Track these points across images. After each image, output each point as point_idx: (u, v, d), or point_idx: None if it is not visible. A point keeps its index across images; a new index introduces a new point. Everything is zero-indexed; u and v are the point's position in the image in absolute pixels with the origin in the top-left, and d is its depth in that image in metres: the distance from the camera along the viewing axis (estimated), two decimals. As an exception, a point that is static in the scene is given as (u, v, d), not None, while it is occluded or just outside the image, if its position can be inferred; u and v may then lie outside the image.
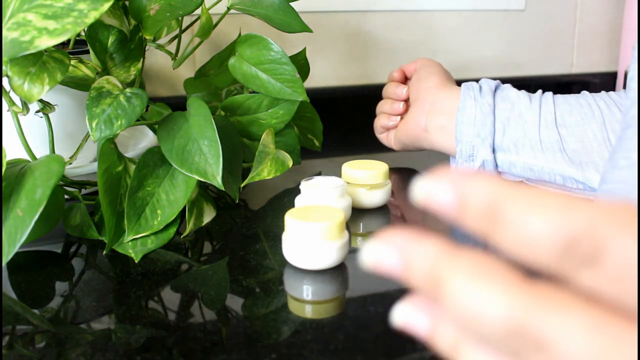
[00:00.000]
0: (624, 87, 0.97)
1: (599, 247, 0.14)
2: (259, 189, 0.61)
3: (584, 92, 0.60)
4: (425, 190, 0.17)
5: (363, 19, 0.88)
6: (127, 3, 0.52)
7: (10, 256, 0.40)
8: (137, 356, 0.34)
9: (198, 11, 0.56)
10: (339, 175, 0.54)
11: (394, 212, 0.56)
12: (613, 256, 0.14)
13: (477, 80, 0.63)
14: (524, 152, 0.58)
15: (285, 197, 0.59)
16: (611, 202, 0.15)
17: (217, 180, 0.47)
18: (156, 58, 0.79)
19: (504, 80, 0.64)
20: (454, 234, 0.52)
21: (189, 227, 0.50)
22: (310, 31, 0.57)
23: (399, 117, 0.68)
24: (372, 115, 0.72)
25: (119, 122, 0.45)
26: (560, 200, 0.15)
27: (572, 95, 0.60)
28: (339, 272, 0.43)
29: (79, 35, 0.52)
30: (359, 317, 0.37)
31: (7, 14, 0.41)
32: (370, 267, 0.17)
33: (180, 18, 0.58)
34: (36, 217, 0.40)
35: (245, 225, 0.53)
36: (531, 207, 0.15)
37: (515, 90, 0.61)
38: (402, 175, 0.66)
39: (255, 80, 0.55)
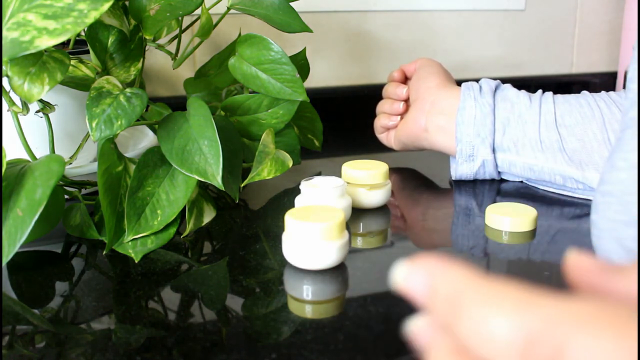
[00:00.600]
0: (624, 87, 0.97)
1: (558, 348, 0.14)
2: (259, 189, 0.61)
3: (584, 92, 0.60)
4: (403, 274, 0.17)
5: (363, 19, 0.88)
6: (127, 3, 0.52)
7: (10, 256, 0.40)
8: (137, 356, 0.34)
9: (198, 11, 0.56)
10: (339, 175, 0.54)
11: (394, 212, 0.56)
12: (572, 357, 0.14)
13: (477, 80, 0.63)
14: (524, 152, 0.58)
15: (285, 197, 0.59)
16: (570, 299, 0.15)
17: (217, 180, 0.47)
18: (156, 58, 0.79)
19: (504, 80, 0.64)
20: (453, 234, 0.52)
21: (189, 227, 0.50)
22: (310, 31, 0.57)
23: (399, 117, 0.68)
24: (372, 115, 0.72)
25: (119, 122, 0.45)
26: (520, 296, 0.15)
27: (572, 95, 0.60)
28: (339, 272, 0.43)
29: (79, 35, 0.52)
30: (359, 317, 0.37)
31: (7, 14, 0.41)
32: (398, 285, 0.17)
33: (180, 18, 0.58)
34: (36, 217, 0.40)
35: (245, 225, 0.53)
36: (489, 304, 0.15)
37: (515, 90, 0.61)
38: (402, 175, 0.66)
39: (255, 80, 0.55)
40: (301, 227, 0.41)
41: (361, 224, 0.53)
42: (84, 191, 0.54)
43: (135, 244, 0.46)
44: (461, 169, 0.61)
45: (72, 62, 0.51)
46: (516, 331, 0.15)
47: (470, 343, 0.16)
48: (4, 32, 0.40)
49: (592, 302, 0.15)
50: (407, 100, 0.68)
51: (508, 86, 0.62)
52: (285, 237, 0.43)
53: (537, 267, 0.45)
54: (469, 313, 0.16)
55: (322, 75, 0.88)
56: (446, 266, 0.17)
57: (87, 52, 0.54)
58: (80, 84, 0.51)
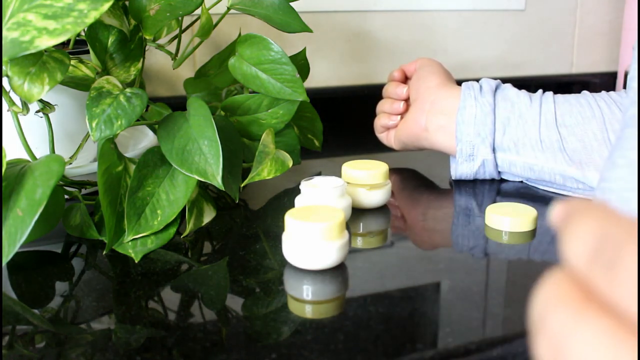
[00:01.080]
0: (624, 87, 0.97)
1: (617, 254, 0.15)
2: (259, 189, 0.61)
3: (584, 92, 0.60)
4: (557, 211, 0.19)
5: (363, 19, 0.88)
6: (127, 3, 0.52)
7: (10, 256, 0.40)
8: (137, 356, 0.34)
9: (198, 11, 0.56)
10: (339, 175, 0.54)
11: (394, 212, 0.56)
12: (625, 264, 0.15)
13: (477, 80, 0.63)
14: (524, 151, 0.58)
15: (285, 197, 0.59)
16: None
17: (217, 180, 0.47)
18: (156, 58, 0.79)
19: (504, 80, 0.64)
20: (453, 234, 0.52)
21: (189, 227, 0.50)
22: (310, 31, 0.57)
23: (399, 117, 0.68)
24: (372, 115, 0.72)
25: (119, 122, 0.45)
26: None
27: (573, 95, 0.60)
28: (339, 272, 0.43)
29: (79, 35, 0.52)
30: (359, 317, 0.37)
31: (7, 14, 0.41)
32: (553, 215, 0.19)
33: (180, 18, 0.58)
34: (36, 217, 0.40)
35: (245, 225, 0.53)
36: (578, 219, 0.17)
37: (515, 89, 0.61)
38: (402, 175, 0.66)
39: (255, 80, 0.55)
40: (301, 227, 0.41)
41: (361, 224, 0.53)
42: (84, 191, 0.54)
43: (135, 244, 0.46)
44: (461, 169, 0.61)
45: (72, 62, 0.51)
46: (587, 240, 0.16)
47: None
48: (4, 32, 0.40)
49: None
50: (407, 100, 0.68)
51: (508, 86, 0.62)
52: (285, 237, 0.43)
53: (537, 267, 0.45)
54: (567, 230, 0.17)
55: (322, 75, 0.88)
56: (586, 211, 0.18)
57: (87, 52, 0.54)
58: (80, 84, 0.51)
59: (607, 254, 0.15)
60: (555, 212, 0.18)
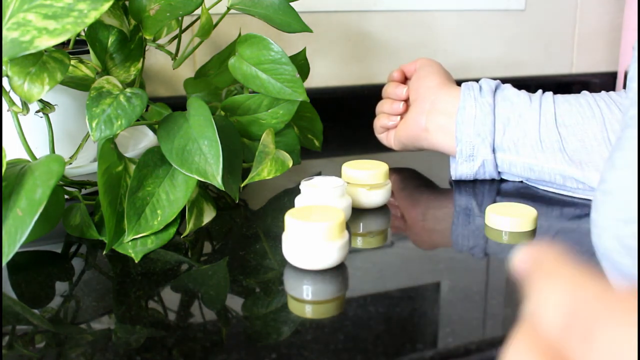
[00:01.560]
0: (624, 87, 0.97)
1: (590, 328, 0.16)
2: (259, 189, 0.61)
3: (584, 92, 0.60)
4: (519, 257, 0.19)
5: (363, 19, 0.88)
6: (127, 3, 0.52)
7: (10, 256, 0.40)
8: (137, 356, 0.34)
9: (198, 11, 0.56)
10: (339, 175, 0.54)
11: (394, 212, 0.56)
12: (600, 337, 0.16)
13: (477, 80, 0.63)
14: (524, 151, 0.58)
15: (285, 197, 0.59)
16: (609, 285, 0.16)
17: (217, 180, 0.47)
18: (156, 58, 0.79)
19: (504, 80, 0.64)
20: (453, 234, 0.52)
21: (189, 227, 0.50)
22: (310, 31, 0.57)
23: (398, 117, 0.68)
24: (372, 115, 0.72)
25: (119, 122, 0.45)
26: (574, 279, 0.17)
27: (572, 95, 0.60)
28: (339, 272, 0.43)
29: (79, 35, 0.52)
30: (359, 317, 0.37)
31: (7, 14, 0.41)
32: (514, 264, 0.19)
33: (180, 18, 0.58)
34: (36, 217, 0.40)
35: (245, 225, 0.53)
36: (551, 285, 0.17)
37: (515, 90, 0.61)
38: (402, 175, 0.66)
39: (255, 80, 0.55)
40: (301, 227, 0.41)
41: (361, 224, 0.53)
42: (84, 191, 0.54)
43: (135, 244, 0.46)
44: (461, 169, 0.61)
45: (72, 62, 0.51)
46: (560, 308, 0.16)
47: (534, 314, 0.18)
48: (4, 32, 0.40)
49: (624, 291, 0.16)
50: (407, 101, 0.68)
51: (508, 86, 0.62)
52: (285, 237, 0.43)
53: (537, 267, 0.45)
54: (537, 291, 0.18)
55: (322, 75, 0.88)
56: (546, 253, 0.19)
57: (87, 52, 0.54)
58: (80, 84, 0.51)
59: (581, 325, 0.16)
60: (519, 258, 0.19)
